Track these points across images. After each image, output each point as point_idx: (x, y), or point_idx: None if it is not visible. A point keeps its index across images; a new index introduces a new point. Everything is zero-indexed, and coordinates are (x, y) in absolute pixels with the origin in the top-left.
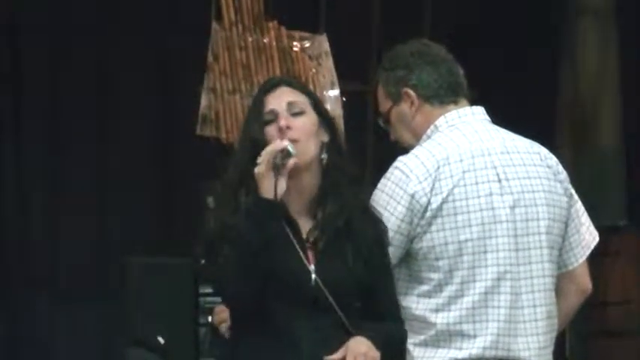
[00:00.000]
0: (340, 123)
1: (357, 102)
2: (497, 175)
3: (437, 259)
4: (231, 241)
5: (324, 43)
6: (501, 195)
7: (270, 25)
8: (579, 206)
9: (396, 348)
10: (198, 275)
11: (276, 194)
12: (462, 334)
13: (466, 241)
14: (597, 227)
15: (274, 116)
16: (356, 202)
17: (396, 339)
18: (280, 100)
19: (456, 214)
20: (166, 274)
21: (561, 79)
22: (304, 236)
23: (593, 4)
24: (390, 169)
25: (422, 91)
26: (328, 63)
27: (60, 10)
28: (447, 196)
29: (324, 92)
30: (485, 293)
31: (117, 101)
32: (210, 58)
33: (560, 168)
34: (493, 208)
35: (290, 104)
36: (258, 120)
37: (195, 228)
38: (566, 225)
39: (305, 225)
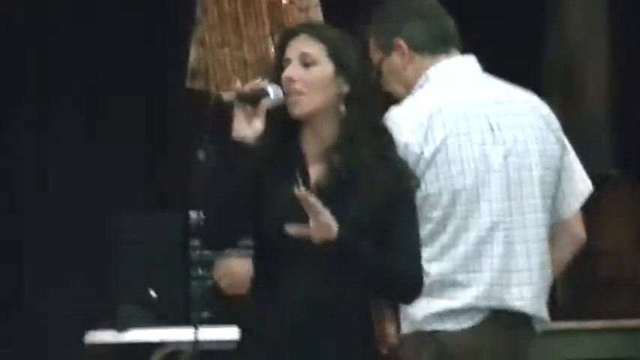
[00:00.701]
0: None
1: None
2: (490, 124)
3: (430, 209)
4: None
5: None
6: (494, 144)
7: None
8: (572, 156)
9: (376, 269)
10: (188, 228)
11: (245, 135)
12: (456, 284)
13: (460, 190)
14: (588, 176)
15: (288, 65)
16: (371, 154)
17: (385, 264)
18: (295, 49)
19: (449, 164)
20: (156, 229)
21: (548, 32)
22: (312, 184)
23: None
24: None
25: (412, 41)
26: (317, 15)
27: None
28: (440, 145)
29: None
30: (479, 243)
31: (106, 54)
32: (198, 11)
33: (553, 117)
34: (486, 157)
35: (302, 54)
36: (278, 66)
37: (185, 181)
38: (559, 174)
39: (319, 172)
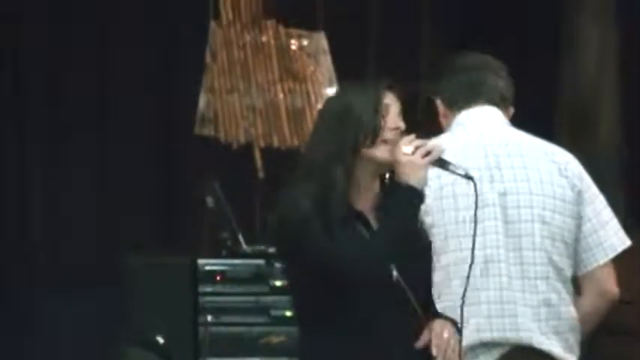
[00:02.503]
0: None
1: None
2: (489, 163)
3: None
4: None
5: (322, 41)
6: (491, 182)
7: (269, 23)
8: (600, 208)
9: None
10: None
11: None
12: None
13: (450, 224)
14: None
15: (386, 111)
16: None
17: None
18: (394, 101)
19: (442, 198)
20: (166, 273)
21: (561, 75)
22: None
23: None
24: None
25: (445, 99)
26: (326, 61)
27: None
28: (434, 181)
29: (323, 90)
30: (474, 276)
31: (117, 100)
32: (208, 58)
33: (570, 166)
34: (482, 194)
35: (400, 111)
36: (373, 105)
37: (195, 226)
38: (579, 223)
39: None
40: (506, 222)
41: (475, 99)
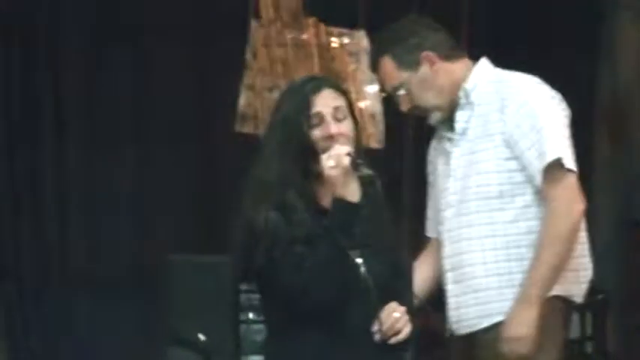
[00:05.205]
0: (380, 119)
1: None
2: None
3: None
4: (296, 240)
5: (363, 39)
6: None
7: (309, 21)
8: None
9: None
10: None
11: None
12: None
13: None
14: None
15: (319, 120)
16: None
17: None
18: (326, 103)
19: None
20: (207, 272)
21: (599, 77)
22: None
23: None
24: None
25: (439, 51)
26: (367, 59)
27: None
28: None
29: (364, 88)
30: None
31: (157, 100)
32: (248, 56)
33: None
34: None
35: (336, 109)
36: (305, 121)
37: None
38: None
39: None
40: None
41: (462, 51)
